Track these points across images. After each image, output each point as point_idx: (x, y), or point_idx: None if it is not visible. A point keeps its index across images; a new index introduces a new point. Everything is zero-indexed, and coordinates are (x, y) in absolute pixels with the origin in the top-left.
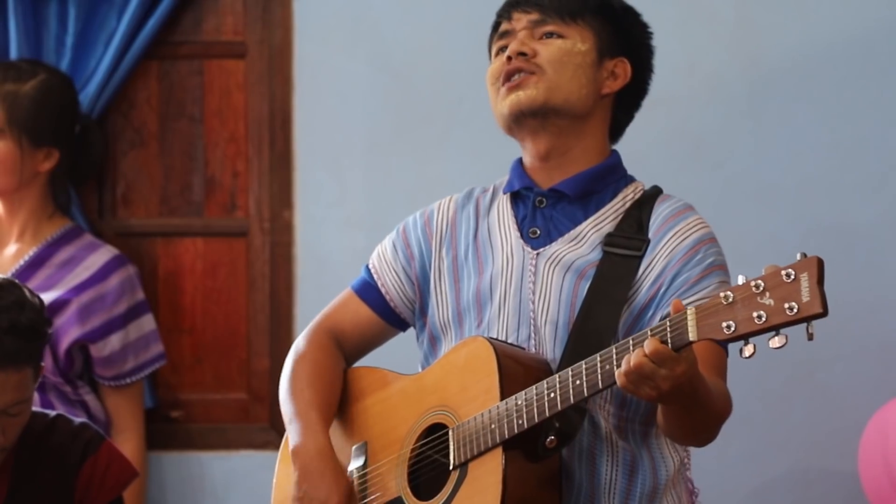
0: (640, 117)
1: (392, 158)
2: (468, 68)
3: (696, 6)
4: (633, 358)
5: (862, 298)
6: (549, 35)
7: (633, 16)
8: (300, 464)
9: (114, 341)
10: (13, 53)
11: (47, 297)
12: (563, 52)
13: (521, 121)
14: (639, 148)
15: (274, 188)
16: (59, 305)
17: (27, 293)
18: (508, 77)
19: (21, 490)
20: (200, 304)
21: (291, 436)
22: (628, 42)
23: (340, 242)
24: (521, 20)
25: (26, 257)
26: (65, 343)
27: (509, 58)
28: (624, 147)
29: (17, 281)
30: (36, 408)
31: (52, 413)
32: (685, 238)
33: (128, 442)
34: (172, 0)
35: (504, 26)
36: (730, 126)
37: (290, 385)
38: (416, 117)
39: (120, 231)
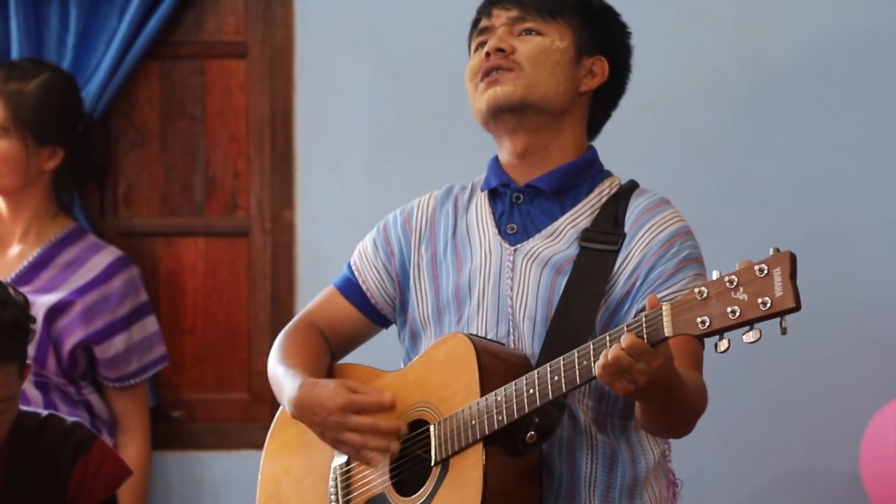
0: (641, 117)
1: (393, 158)
2: None
3: (697, 6)
4: (610, 352)
5: (863, 298)
6: (528, 32)
7: (611, 15)
8: (296, 409)
9: (118, 343)
10: (15, 53)
11: (51, 298)
12: (542, 49)
13: (498, 116)
14: (640, 147)
15: (275, 188)
16: (63, 307)
17: (11, 291)
18: (487, 73)
19: (13, 489)
20: (202, 304)
21: (282, 399)
22: (607, 41)
23: (342, 242)
24: (500, 16)
25: (30, 258)
26: (69, 344)
27: (488, 54)
28: (625, 147)
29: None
30: (30, 408)
31: (44, 412)
32: (660, 232)
33: (133, 443)
34: (173, 0)
35: (484, 22)
36: (731, 126)
37: (277, 356)
38: (417, 117)
39: (121, 231)
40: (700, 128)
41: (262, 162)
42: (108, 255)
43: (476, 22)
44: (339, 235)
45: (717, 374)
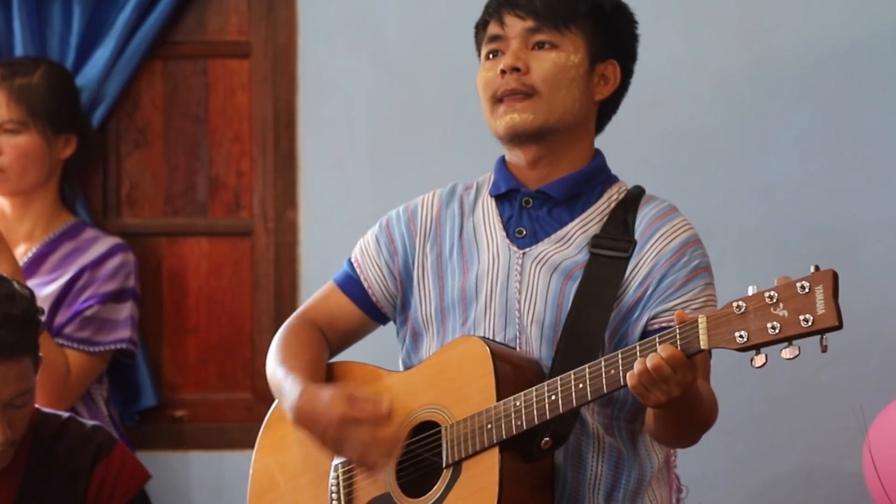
0: (644, 117)
1: (396, 158)
2: (473, 68)
3: (700, 6)
4: (649, 360)
5: (866, 298)
6: (542, 45)
7: (621, 13)
8: (296, 418)
9: (90, 307)
10: (18, 52)
11: (51, 289)
12: (558, 68)
13: (514, 140)
14: (643, 148)
15: (278, 188)
16: (62, 296)
17: (16, 285)
18: (503, 97)
19: (31, 492)
20: (205, 304)
21: (282, 404)
22: (619, 42)
23: (345, 242)
24: (514, 26)
25: (29, 254)
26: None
27: (503, 71)
28: (628, 147)
29: (3, 275)
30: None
31: (65, 415)
32: (671, 240)
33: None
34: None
35: (495, 29)
36: (734, 126)
37: (276, 357)
38: (420, 117)
39: (124, 231)
40: (703, 128)
41: (265, 162)
42: (106, 242)
43: (485, 24)
44: (342, 235)
45: (721, 375)
